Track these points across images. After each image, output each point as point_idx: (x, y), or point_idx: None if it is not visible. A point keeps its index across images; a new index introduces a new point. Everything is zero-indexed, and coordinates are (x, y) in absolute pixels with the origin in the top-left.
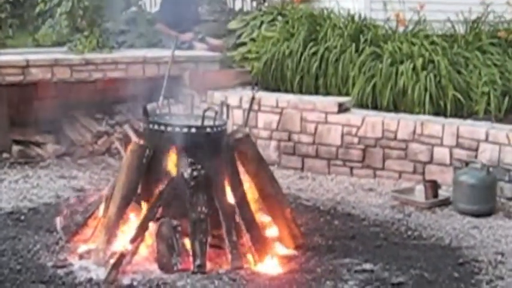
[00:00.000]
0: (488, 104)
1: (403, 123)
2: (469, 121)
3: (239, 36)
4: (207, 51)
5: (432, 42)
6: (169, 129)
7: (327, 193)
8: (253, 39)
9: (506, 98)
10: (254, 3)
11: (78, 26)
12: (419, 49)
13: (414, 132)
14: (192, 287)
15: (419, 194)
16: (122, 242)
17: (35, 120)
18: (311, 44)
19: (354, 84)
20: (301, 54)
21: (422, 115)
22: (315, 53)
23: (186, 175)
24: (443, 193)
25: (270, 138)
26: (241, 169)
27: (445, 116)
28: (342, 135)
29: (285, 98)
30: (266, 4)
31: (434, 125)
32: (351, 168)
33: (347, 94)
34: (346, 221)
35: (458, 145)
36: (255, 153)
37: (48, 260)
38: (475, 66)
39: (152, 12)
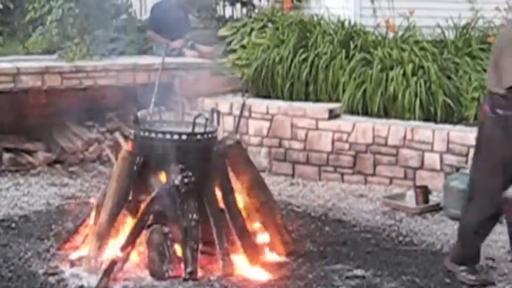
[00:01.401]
0: (478, 109)
1: (393, 129)
2: (459, 126)
3: (229, 43)
4: (198, 58)
5: (422, 48)
6: (159, 136)
7: (318, 199)
8: (243, 46)
9: None
10: (244, 10)
11: (69, 34)
12: (409, 55)
13: (405, 138)
14: None
15: (410, 199)
16: (113, 249)
17: (26, 128)
18: (301, 50)
19: (344, 91)
20: (292, 60)
21: (412, 121)
22: (305, 60)
23: (176, 182)
24: (434, 199)
25: (261, 144)
26: (232, 176)
27: (436, 121)
28: (333, 142)
29: (276, 105)
30: (256, 11)
31: (424, 131)
32: (342, 174)
33: (337, 100)
34: (337, 227)
35: (448, 151)
36: (246, 160)
37: (40, 267)
38: (464, 72)
39: (142, 19)
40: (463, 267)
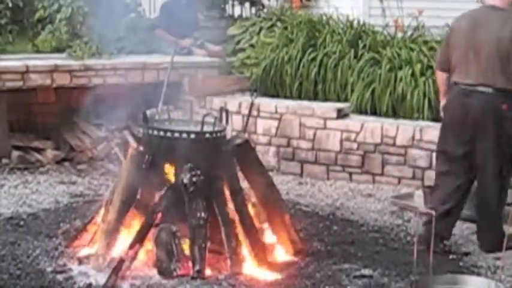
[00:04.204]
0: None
1: (402, 129)
2: None
3: (238, 42)
4: (206, 57)
5: (431, 48)
6: (168, 134)
7: (326, 199)
8: (252, 45)
9: None
10: (253, 9)
11: (78, 32)
12: (418, 55)
13: (413, 138)
14: None
15: (419, 199)
16: (122, 247)
17: (35, 126)
18: (310, 49)
19: (352, 90)
20: (300, 60)
21: (421, 121)
22: (313, 59)
23: (185, 181)
24: None
25: (269, 144)
26: (240, 175)
27: None
28: (341, 141)
29: (284, 104)
30: (265, 10)
31: (433, 131)
32: (350, 173)
33: (346, 100)
34: (345, 227)
35: None
36: (254, 159)
37: (48, 265)
38: None
39: (151, 18)
40: None
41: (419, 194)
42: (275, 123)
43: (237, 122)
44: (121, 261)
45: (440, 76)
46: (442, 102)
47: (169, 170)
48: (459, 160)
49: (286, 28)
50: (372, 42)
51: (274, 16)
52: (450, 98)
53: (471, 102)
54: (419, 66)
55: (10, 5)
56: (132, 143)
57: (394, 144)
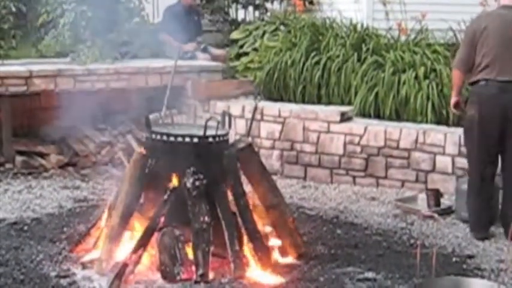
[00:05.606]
0: None
1: (405, 132)
2: None
3: (242, 46)
4: (210, 61)
5: (434, 51)
6: (171, 139)
7: (329, 202)
8: (255, 49)
9: None
10: (257, 13)
11: (81, 37)
12: (422, 58)
13: (416, 141)
14: None
15: (422, 202)
16: (125, 251)
17: (38, 131)
18: (313, 53)
19: (356, 94)
20: (304, 63)
21: (424, 124)
22: (317, 63)
23: (188, 185)
24: (445, 202)
25: (273, 147)
26: (243, 178)
27: (448, 124)
28: (345, 145)
29: (288, 108)
30: (268, 14)
31: (436, 134)
32: (354, 177)
33: (349, 103)
34: (349, 230)
35: (460, 154)
36: (258, 163)
37: (51, 269)
38: None
39: (155, 22)
40: None
41: (422, 197)
42: (278, 127)
43: (240, 125)
44: (124, 265)
45: (458, 75)
46: (454, 99)
47: (173, 174)
48: (497, 151)
49: (289, 32)
50: (376, 46)
51: (277, 20)
52: (484, 95)
53: (509, 97)
54: (422, 69)
55: (13, 9)
56: (136, 147)
57: (397, 148)
